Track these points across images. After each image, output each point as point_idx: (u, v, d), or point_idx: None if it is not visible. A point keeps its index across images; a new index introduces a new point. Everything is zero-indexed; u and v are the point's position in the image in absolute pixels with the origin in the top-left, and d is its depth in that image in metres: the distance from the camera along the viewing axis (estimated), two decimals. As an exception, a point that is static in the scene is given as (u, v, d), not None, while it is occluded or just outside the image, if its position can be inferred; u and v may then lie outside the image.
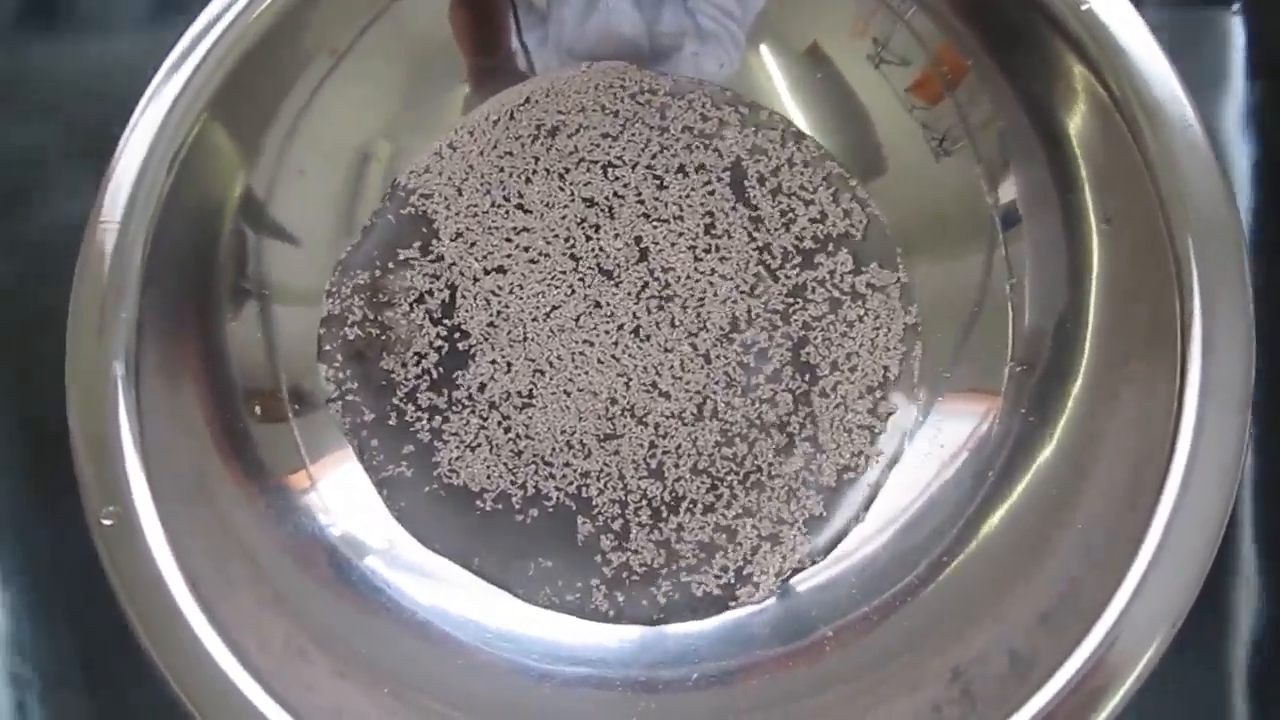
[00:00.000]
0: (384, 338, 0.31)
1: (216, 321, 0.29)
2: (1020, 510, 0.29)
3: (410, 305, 0.31)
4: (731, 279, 0.31)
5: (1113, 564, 0.25)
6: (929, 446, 0.31)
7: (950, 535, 0.29)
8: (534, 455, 0.31)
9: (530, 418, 0.31)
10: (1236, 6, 0.32)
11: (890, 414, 0.31)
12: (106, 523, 0.26)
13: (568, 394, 0.31)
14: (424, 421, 0.31)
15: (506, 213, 0.31)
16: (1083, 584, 0.26)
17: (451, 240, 0.31)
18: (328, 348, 0.31)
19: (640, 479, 0.31)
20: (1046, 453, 0.29)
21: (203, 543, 0.26)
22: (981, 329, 0.31)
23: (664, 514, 0.30)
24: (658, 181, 0.31)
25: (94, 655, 0.32)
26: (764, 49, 0.32)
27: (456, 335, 0.31)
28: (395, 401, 0.31)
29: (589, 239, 0.31)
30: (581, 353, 0.31)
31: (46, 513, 0.32)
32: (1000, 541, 0.29)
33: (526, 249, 0.31)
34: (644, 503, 0.30)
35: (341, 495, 0.30)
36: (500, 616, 0.30)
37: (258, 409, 0.30)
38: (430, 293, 0.31)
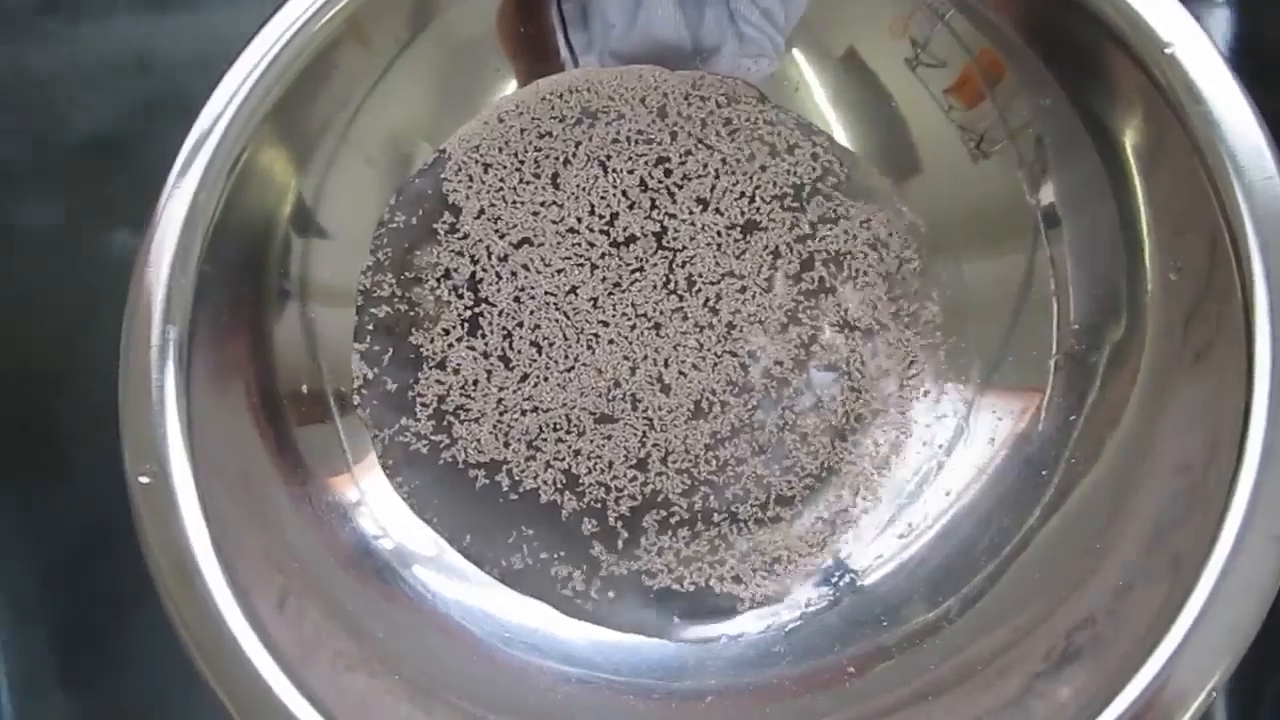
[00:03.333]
0: (412, 314, 0.31)
1: (263, 321, 0.29)
2: (1063, 537, 0.28)
3: (437, 280, 0.31)
4: (758, 283, 0.31)
5: (1165, 598, 0.24)
6: (948, 464, 0.31)
7: (983, 565, 0.29)
8: (535, 426, 0.31)
9: (534, 388, 0.31)
10: (1223, 1, 0.32)
11: (906, 426, 0.31)
12: (144, 480, 0.26)
13: (570, 370, 0.31)
14: (438, 394, 0.31)
15: (537, 189, 0.31)
16: (1131, 620, 0.25)
17: (476, 217, 0.31)
18: (368, 326, 0.31)
19: (628, 467, 0.31)
20: (1094, 473, 0.28)
21: (230, 511, 0.27)
22: (1024, 330, 0.30)
23: (644, 510, 0.31)
24: (692, 179, 0.31)
25: (69, 659, 0.32)
26: (799, 53, 0.32)
27: (480, 309, 0.31)
28: (420, 375, 0.31)
29: (618, 224, 0.31)
30: (595, 333, 0.31)
31: (26, 512, 0.32)
32: (1036, 575, 0.28)
33: (556, 222, 0.31)
34: (624, 494, 0.31)
35: (378, 489, 0.31)
36: (519, 616, 0.30)
37: (304, 389, 0.30)
38: (457, 269, 0.31)
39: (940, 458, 0.31)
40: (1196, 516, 0.25)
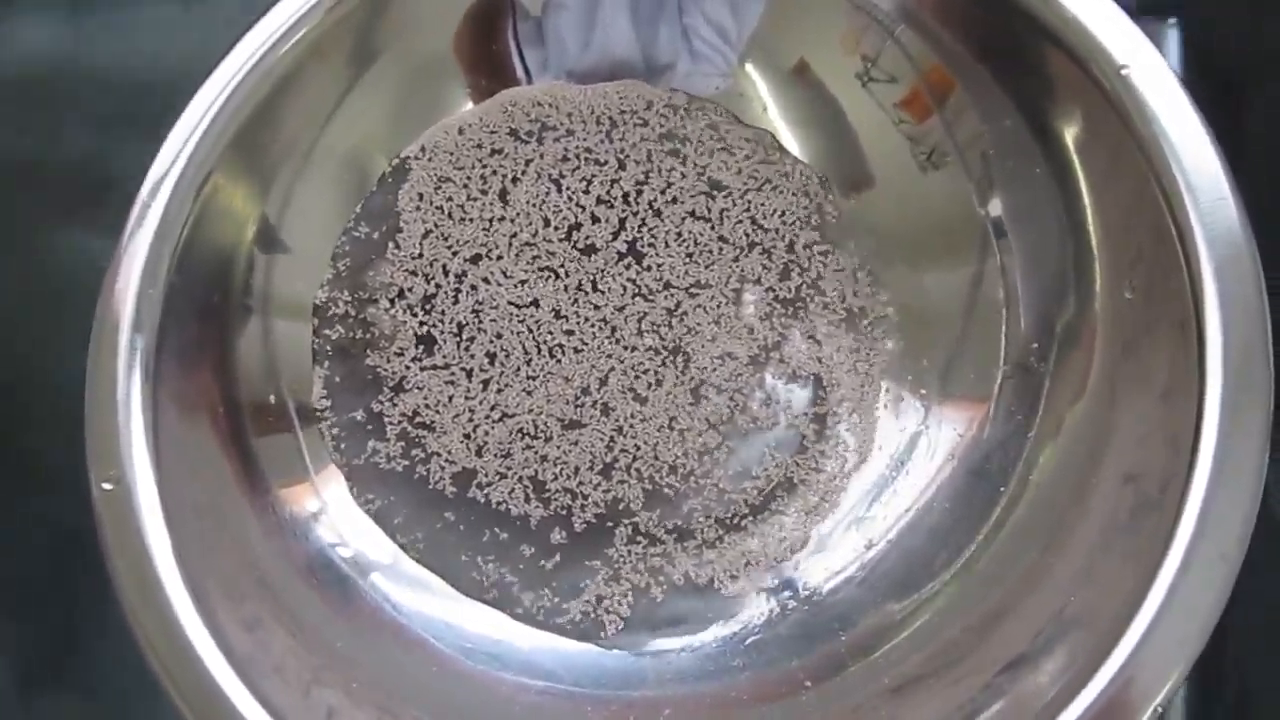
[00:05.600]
0: (367, 336, 0.31)
1: (229, 333, 0.30)
2: (1017, 547, 0.29)
3: (391, 301, 0.31)
4: (724, 293, 0.32)
5: (1120, 599, 0.25)
6: (902, 472, 0.31)
7: (938, 573, 0.29)
8: (505, 434, 0.31)
9: (499, 395, 0.31)
10: (1173, 20, 0.32)
11: (859, 433, 0.31)
12: (106, 487, 0.26)
13: (534, 379, 0.31)
14: (400, 404, 0.31)
15: (485, 205, 0.32)
16: (1081, 632, 0.25)
17: (424, 236, 0.31)
18: (324, 349, 0.31)
19: (594, 473, 0.31)
20: (1045, 483, 0.29)
21: (193, 519, 0.27)
22: (977, 339, 0.31)
23: (606, 519, 0.31)
24: (649, 189, 0.32)
25: (31, 671, 0.32)
26: (751, 67, 0.32)
27: (437, 326, 0.31)
28: (380, 399, 0.31)
29: (575, 235, 0.32)
30: (560, 343, 0.31)
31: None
32: (990, 585, 0.29)
33: (510, 236, 0.32)
34: (590, 500, 0.31)
35: (340, 501, 0.31)
36: (480, 627, 0.30)
37: (270, 399, 0.30)
38: (411, 288, 0.31)
39: (897, 468, 0.31)
40: (1146, 531, 0.25)
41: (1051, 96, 0.28)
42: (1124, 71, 0.26)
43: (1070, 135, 0.28)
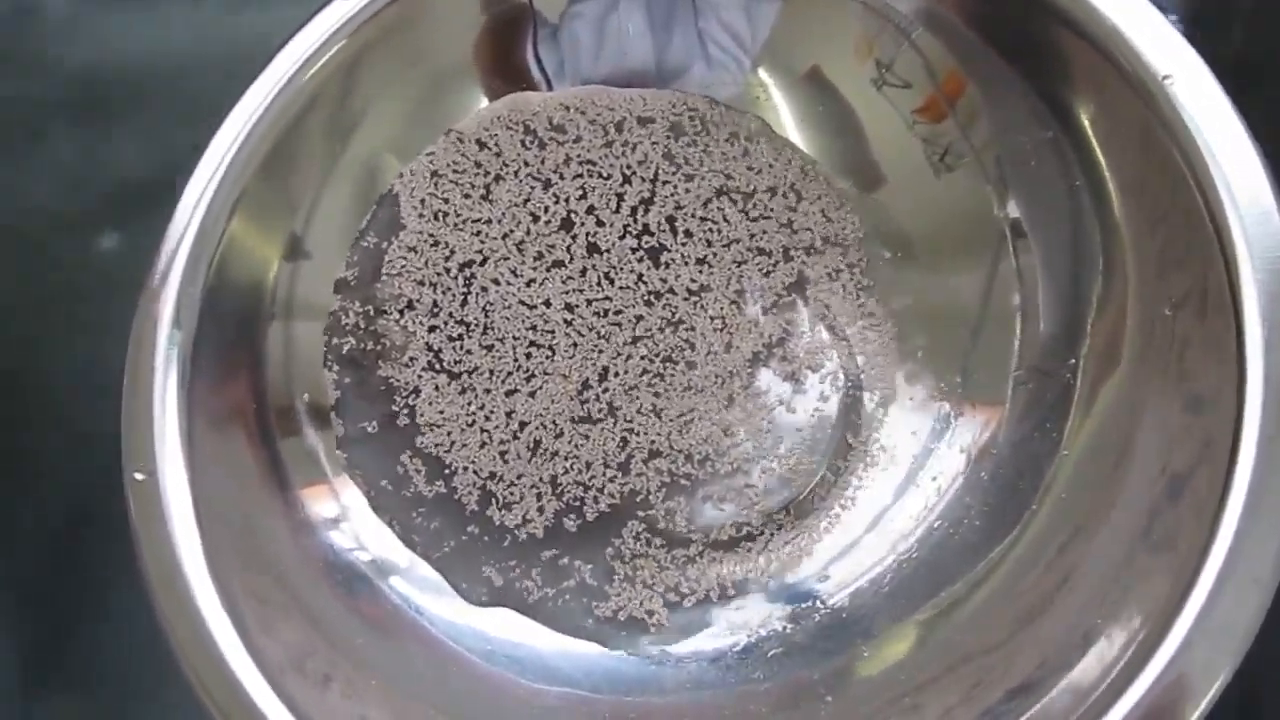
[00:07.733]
0: (378, 347, 0.31)
1: (263, 335, 0.30)
2: (1038, 556, 0.28)
3: (400, 312, 0.31)
4: (726, 294, 0.31)
5: (1150, 620, 0.24)
6: (920, 477, 0.31)
7: (960, 584, 0.29)
8: (523, 439, 0.31)
9: (512, 398, 0.31)
10: (1174, 18, 0.31)
11: (877, 437, 0.31)
12: (139, 477, 0.27)
13: (533, 376, 0.31)
14: (416, 418, 0.31)
15: (489, 208, 0.32)
16: (1117, 642, 0.25)
17: (425, 243, 0.32)
18: (337, 359, 0.31)
19: (606, 467, 0.31)
20: (1071, 487, 0.28)
21: (220, 514, 0.27)
22: (996, 341, 0.30)
23: (621, 519, 0.31)
24: (665, 188, 0.32)
25: (29, 671, 0.32)
26: (763, 70, 0.32)
27: (444, 325, 0.31)
28: (394, 410, 0.31)
29: (576, 237, 0.32)
30: (573, 341, 0.31)
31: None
32: (1011, 593, 0.28)
33: (504, 236, 0.32)
34: (605, 492, 0.31)
35: (362, 504, 0.31)
36: (501, 631, 0.30)
37: (307, 396, 0.31)
38: (419, 298, 0.32)
39: (919, 475, 0.31)
40: (1178, 551, 0.24)
41: (1087, 103, 0.28)
42: (1167, 81, 0.26)
43: (1104, 143, 0.28)
